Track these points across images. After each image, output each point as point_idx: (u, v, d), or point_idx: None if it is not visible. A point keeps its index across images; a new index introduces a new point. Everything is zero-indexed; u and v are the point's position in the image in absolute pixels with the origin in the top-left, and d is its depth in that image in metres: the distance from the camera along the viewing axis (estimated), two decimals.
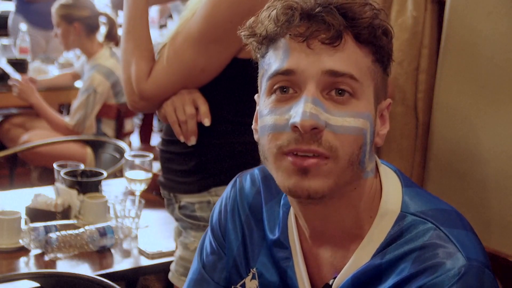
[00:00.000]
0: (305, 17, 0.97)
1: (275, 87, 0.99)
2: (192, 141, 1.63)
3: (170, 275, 1.76)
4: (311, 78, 0.96)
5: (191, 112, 1.60)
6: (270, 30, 0.99)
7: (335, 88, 0.96)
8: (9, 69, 4.00)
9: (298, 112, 0.94)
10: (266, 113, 1.00)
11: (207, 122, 1.61)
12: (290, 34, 0.97)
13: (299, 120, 0.93)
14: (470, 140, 1.90)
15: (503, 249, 1.68)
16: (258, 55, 1.05)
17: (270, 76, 1.00)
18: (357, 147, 0.97)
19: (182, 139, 1.63)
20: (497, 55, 1.84)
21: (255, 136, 1.08)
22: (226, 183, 1.65)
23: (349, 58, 0.97)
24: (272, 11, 1.00)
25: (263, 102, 1.02)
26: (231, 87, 1.63)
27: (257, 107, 1.08)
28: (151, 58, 1.63)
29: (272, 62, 1.00)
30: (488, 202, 1.85)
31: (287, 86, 0.98)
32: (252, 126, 1.09)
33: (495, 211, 1.83)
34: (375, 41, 0.99)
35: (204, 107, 1.61)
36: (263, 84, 1.03)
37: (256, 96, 1.10)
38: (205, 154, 1.66)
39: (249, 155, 1.66)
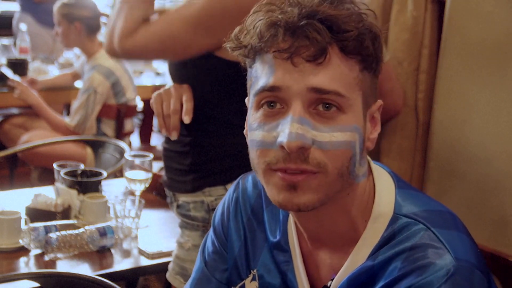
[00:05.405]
0: (289, 33, 0.95)
1: (262, 102, 0.99)
2: (174, 136, 1.64)
3: (167, 274, 1.77)
4: (296, 95, 0.95)
5: (174, 107, 1.61)
6: (254, 44, 0.98)
7: (322, 102, 0.96)
8: (7, 70, 3.99)
9: (284, 132, 0.94)
10: (255, 127, 0.99)
11: (186, 120, 1.62)
12: (274, 51, 0.96)
13: (286, 141, 0.93)
14: (470, 140, 1.89)
15: (503, 249, 1.68)
16: (246, 64, 1.04)
17: (257, 92, 0.99)
18: (347, 159, 0.97)
19: (164, 132, 1.65)
20: (497, 56, 1.84)
21: (247, 141, 1.07)
22: (221, 184, 1.67)
23: (335, 74, 0.95)
24: (257, 22, 0.98)
25: (252, 116, 1.01)
26: (227, 88, 1.64)
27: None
28: (139, 19, 1.64)
29: (258, 76, 0.99)
30: (488, 202, 1.85)
31: (274, 101, 0.97)
32: (244, 132, 1.08)
33: (495, 211, 1.82)
34: (362, 51, 0.97)
35: (187, 105, 1.62)
36: (250, 97, 1.03)
37: (246, 100, 1.09)
38: (201, 154, 1.67)
39: (245, 156, 1.66)
